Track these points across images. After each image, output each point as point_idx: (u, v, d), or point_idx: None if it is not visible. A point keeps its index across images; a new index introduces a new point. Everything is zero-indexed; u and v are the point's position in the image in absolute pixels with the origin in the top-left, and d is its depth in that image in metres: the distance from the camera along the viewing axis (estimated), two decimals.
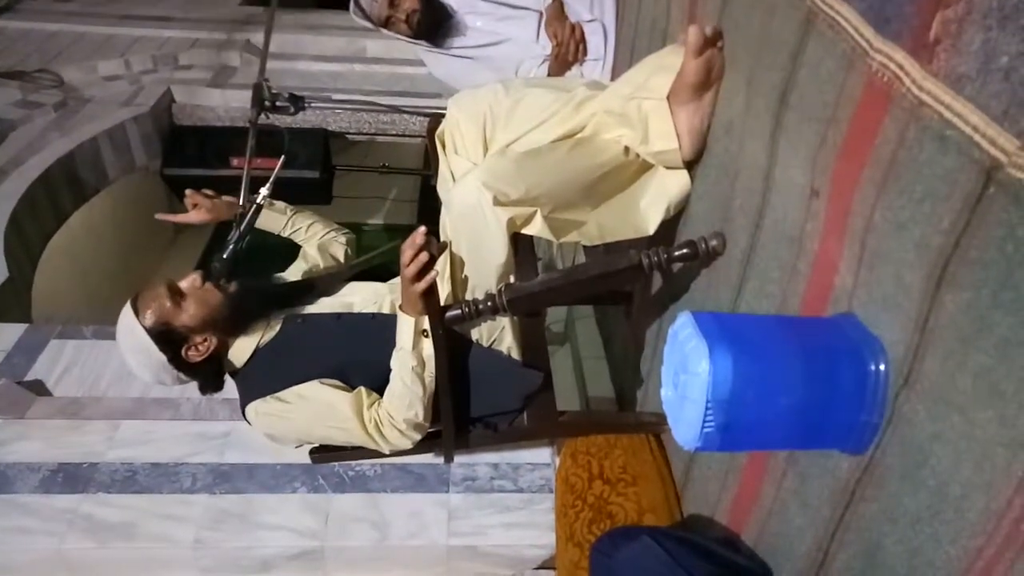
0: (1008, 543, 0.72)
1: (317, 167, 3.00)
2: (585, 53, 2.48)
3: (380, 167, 2.90)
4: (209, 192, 1.75)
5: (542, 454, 1.88)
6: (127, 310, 1.47)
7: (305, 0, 4.44)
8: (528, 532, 1.74)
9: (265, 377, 1.52)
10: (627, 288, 1.93)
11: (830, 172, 1.00)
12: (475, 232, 1.39)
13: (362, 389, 1.50)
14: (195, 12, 3.74)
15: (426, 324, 1.41)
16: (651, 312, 1.80)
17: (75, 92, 3.17)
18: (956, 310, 0.77)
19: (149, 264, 4.06)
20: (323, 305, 1.63)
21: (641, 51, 1.98)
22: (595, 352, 2.51)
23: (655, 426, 1.74)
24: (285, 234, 1.82)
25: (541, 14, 2.56)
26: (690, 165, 1.47)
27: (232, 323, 1.52)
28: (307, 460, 1.71)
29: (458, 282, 1.46)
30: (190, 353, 1.49)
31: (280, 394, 1.49)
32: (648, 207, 1.50)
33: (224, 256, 1.58)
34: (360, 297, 1.64)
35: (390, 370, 1.47)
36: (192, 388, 1.59)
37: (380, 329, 1.52)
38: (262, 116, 1.89)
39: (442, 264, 1.42)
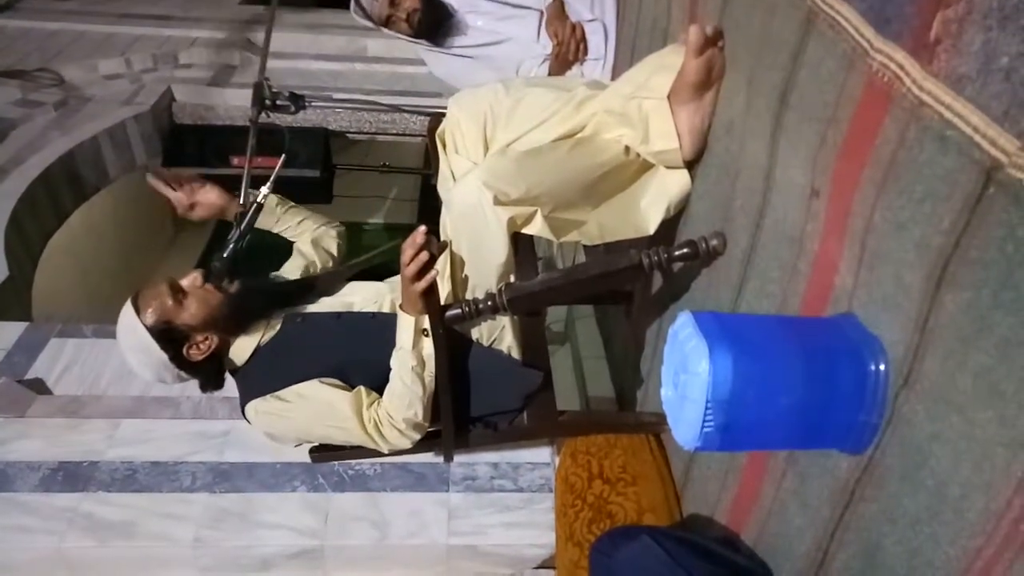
0: (1007, 543, 0.72)
1: (318, 166, 3.00)
2: (586, 52, 2.48)
3: (380, 166, 2.90)
4: (194, 179, 1.72)
5: (542, 453, 1.88)
6: (128, 308, 1.47)
7: None
8: (528, 531, 1.74)
9: (265, 376, 1.52)
10: (627, 288, 1.93)
11: (830, 172, 1.00)
12: (475, 231, 1.39)
13: (362, 388, 1.50)
14: (196, 11, 3.74)
15: (426, 323, 1.41)
16: (651, 312, 1.80)
17: (75, 91, 3.17)
18: (956, 310, 0.77)
19: (149, 263, 4.07)
20: (323, 304, 1.62)
21: (642, 50, 1.98)
22: (595, 352, 2.51)
23: (655, 426, 1.74)
24: (276, 230, 1.80)
25: (542, 13, 2.56)
26: (691, 165, 1.47)
27: (233, 322, 1.52)
28: (307, 459, 1.71)
29: (458, 281, 1.46)
30: (191, 352, 1.49)
31: (280, 393, 1.49)
32: (648, 207, 1.50)
33: (224, 256, 1.58)
34: (360, 296, 1.64)
35: (390, 369, 1.47)
36: (192, 387, 1.59)
37: (380, 328, 1.52)
38: (263, 115, 1.89)
39: (442, 263, 1.42)
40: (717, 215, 1.39)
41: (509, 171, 1.39)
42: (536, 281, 1.41)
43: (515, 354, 1.58)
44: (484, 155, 1.60)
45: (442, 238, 1.43)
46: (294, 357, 1.54)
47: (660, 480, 1.65)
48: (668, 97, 1.37)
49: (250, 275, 1.60)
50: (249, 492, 1.77)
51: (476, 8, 2.70)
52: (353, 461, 1.81)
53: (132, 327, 1.45)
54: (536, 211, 1.39)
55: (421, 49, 2.88)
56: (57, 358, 2.11)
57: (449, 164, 1.64)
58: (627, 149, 1.47)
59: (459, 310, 1.39)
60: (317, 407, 1.49)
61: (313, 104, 2.02)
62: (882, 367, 0.89)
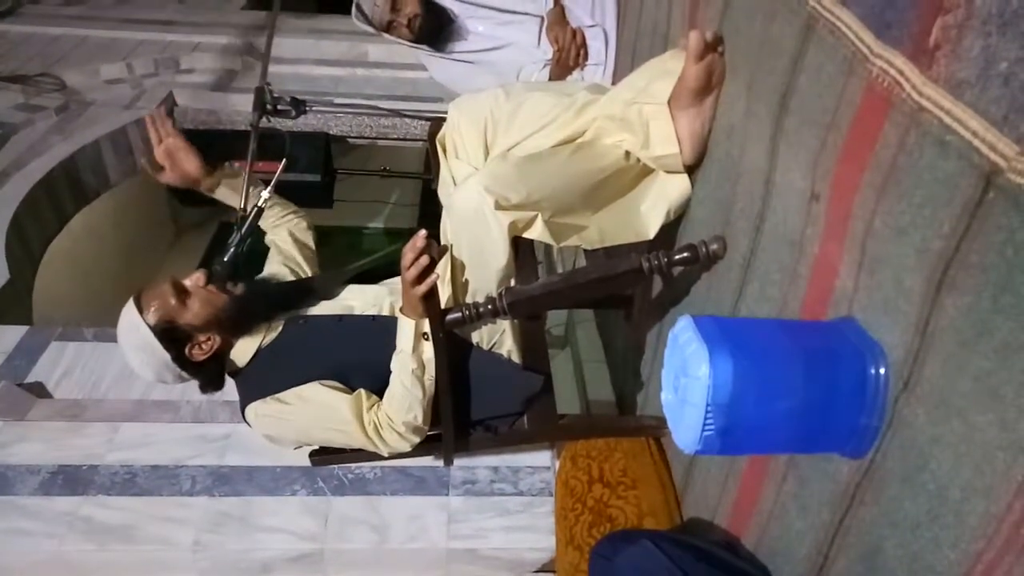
0: (1008, 547, 0.72)
1: (318, 171, 3.00)
2: (586, 58, 2.48)
3: (381, 171, 2.91)
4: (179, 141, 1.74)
5: (542, 457, 1.88)
6: (130, 307, 1.46)
7: (307, 4, 4.46)
8: (528, 535, 1.74)
9: (266, 378, 1.53)
10: (628, 292, 1.93)
11: (830, 176, 1.00)
12: (476, 236, 1.39)
13: (362, 391, 1.50)
14: (197, 16, 3.76)
15: (426, 327, 1.41)
16: (651, 316, 1.81)
17: (77, 95, 3.17)
18: (956, 314, 0.77)
19: (150, 267, 4.08)
20: (324, 307, 1.63)
21: (642, 56, 1.99)
22: (595, 356, 2.52)
23: (655, 430, 1.74)
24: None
25: (542, 19, 2.57)
26: (691, 169, 1.47)
27: (236, 323, 1.52)
28: (307, 462, 1.71)
29: (459, 285, 1.46)
30: (194, 352, 1.49)
31: (280, 395, 1.49)
32: (649, 211, 1.51)
33: (225, 259, 1.58)
34: (361, 300, 1.64)
35: (390, 372, 1.47)
36: (192, 391, 1.59)
37: (380, 332, 1.52)
38: (264, 120, 1.89)
39: (443, 267, 1.42)
40: (717, 219, 1.40)
41: (510, 176, 1.40)
42: (536, 285, 1.42)
43: (515, 358, 1.58)
44: (484, 160, 1.60)
45: (442, 242, 1.43)
46: (295, 359, 1.54)
47: (660, 484, 1.65)
48: (668, 102, 1.37)
49: (251, 278, 1.60)
50: (249, 496, 1.77)
51: (477, 13, 2.70)
52: (353, 465, 1.81)
53: (134, 326, 1.45)
54: (537, 216, 1.39)
55: (422, 54, 2.88)
56: (57, 362, 2.11)
57: (450, 169, 1.65)
58: (627, 154, 1.47)
59: (459, 314, 1.40)
60: (317, 409, 1.49)
61: (314, 109, 2.02)
62: (882, 371, 0.89)
